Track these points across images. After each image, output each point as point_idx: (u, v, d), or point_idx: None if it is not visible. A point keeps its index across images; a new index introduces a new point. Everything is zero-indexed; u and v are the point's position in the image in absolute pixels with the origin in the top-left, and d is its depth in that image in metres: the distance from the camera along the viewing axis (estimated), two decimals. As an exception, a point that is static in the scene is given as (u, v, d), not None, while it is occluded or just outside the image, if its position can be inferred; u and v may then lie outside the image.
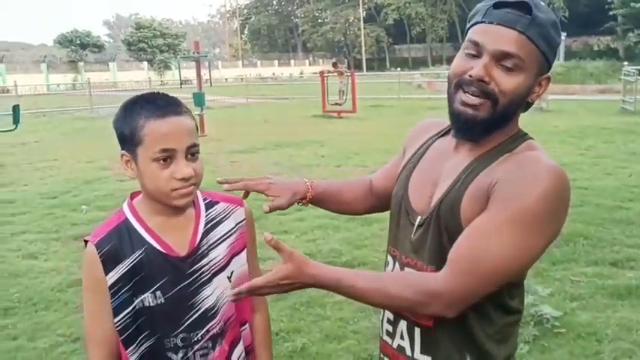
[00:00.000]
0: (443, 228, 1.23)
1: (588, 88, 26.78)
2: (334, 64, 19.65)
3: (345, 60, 61.99)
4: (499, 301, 1.24)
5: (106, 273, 1.32)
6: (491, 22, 1.19)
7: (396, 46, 65.50)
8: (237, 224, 1.46)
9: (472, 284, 1.14)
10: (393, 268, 1.36)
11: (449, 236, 1.21)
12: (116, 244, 1.33)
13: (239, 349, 1.47)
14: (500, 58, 1.17)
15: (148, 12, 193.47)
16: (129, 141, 1.31)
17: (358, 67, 57.49)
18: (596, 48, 48.04)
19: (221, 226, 1.43)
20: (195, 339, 1.37)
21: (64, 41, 55.15)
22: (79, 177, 9.13)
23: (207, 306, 1.38)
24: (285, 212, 6.58)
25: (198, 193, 1.43)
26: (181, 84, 19.68)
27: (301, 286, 1.19)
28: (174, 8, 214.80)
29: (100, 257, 1.31)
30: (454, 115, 1.25)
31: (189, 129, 1.31)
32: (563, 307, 3.76)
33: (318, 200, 1.57)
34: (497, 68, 1.18)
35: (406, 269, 1.30)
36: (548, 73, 1.24)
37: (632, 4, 39.03)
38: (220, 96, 27.37)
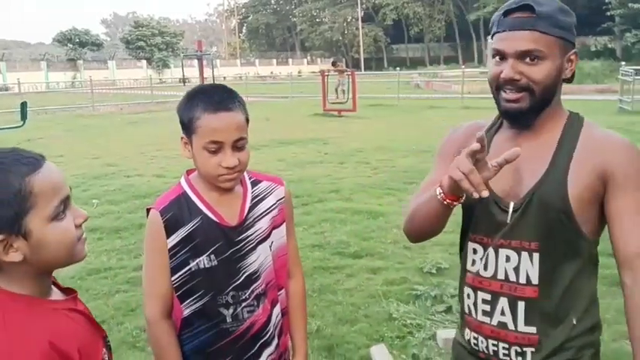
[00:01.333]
0: (549, 207, 1.38)
1: (586, 88, 26.98)
2: (333, 63, 19.84)
3: (343, 59, 62.09)
4: (594, 259, 1.45)
5: (168, 236, 1.52)
6: (504, 30, 1.39)
7: (394, 46, 65.73)
8: (277, 200, 1.66)
9: None
10: (484, 254, 1.47)
11: (555, 213, 1.38)
12: (177, 212, 1.54)
13: (277, 309, 1.67)
14: (521, 56, 1.37)
15: (146, 10, 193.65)
16: (187, 128, 1.52)
17: (356, 66, 57.64)
18: (593, 48, 48.18)
19: (264, 201, 1.63)
20: (243, 297, 1.57)
21: (63, 39, 55.20)
22: (86, 173, 9.28)
23: (252, 269, 1.59)
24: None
25: (245, 173, 1.63)
26: (184, 82, 19.81)
27: None
28: (171, 7, 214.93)
29: (164, 222, 1.52)
30: (504, 112, 1.45)
31: (237, 124, 1.50)
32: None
33: None
34: (523, 65, 1.37)
35: (500, 250, 1.44)
36: (574, 50, 1.43)
37: (629, 4, 39.24)
38: (220, 94, 27.47)
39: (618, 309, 3.74)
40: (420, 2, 57.50)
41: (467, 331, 1.54)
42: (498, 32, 1.41)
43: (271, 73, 56.96)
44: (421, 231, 1.52)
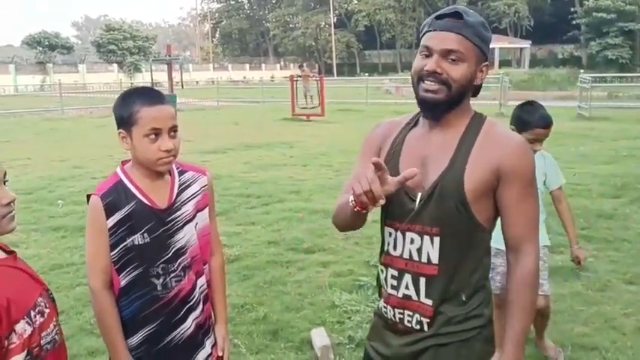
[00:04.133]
0: (447, 197, 1.58)
1: (550, 95, 27.66)
2: (300, 66, 20.12)
3: (316, 65, 62.53)
4: (486, 245, 1.68)
5: (107, 218, 1.81)
6: (435, 30, 1.61)
7: (367, 52, 66.33)
8: (201, 188, 1.96)
9: (537, 240, 1.67)
10: (395, 237, 1.69)
11: (453, 203, 1.58)
12: (115, 197, 1.82)
13: (202, 280, 1.97)
14: (446, 54, 1.58)
15: (118, 14, 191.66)
16: (126, 121, 1.80)
17: (329, 72, 58.09)
18: (560, 56, 49.38)
19: (190, 188, 1.93)
20: (172, 269, 1.87)
21: (32, 42, 54.51)
22: (53, 174, 9.41)
23: (180, 245, 1.88)
24: (252, 206, 7.04)
25: (173, 163, 1.92)
26: (153, 86, 19.88)
27: None
28: (144, 10, 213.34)
29: (104, 206, 1.80)
30: (421, 101, 1.63)
31: (171, 114, 1.82)
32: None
33: None
34: (446, 62, 1.58)
35: (407, 233, 1.65)
36: (487, 62, 1.65)
37: (594, 13, 40.42)
38: (191, 99, 27.60)
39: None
40: (392, 9, 58.23)
41: (381, 302, 1.77)
42: (429, 31, 1.61)
43: (244, 77, 57.06)
44: (344, 227, 1.72)
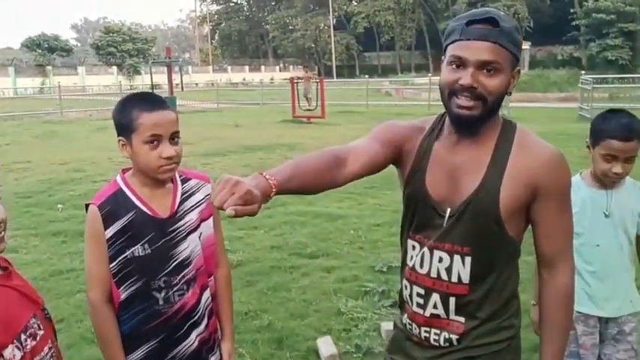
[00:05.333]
0: (481, 216, 1.49)
1: (551, 96, 27.68)
2: (305, 67, 20.12)
3: (316, 67, 62.45)
4: (517, 257, 1.61)
5: (105, 228, 1.73)
6: (468, 39, 1.45)
7: (366, 54, 66.23)
8: (205, 196, 1.88)
9: (572, 255, 1.60)
10: (421, 250, 1.60)
11: (486, 222, 1.50)
12: (113, 206, 1.74)
13: (207, 293, 1.88)
14: (482, 66, 1.44)
15: (117, 16, 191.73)
16: (126, 128, 1.72)
17: (328, 73, 58.01)
18: (559, 57, 49.25)
19: (193, 196, 1.85)
20: (174, 282, 1.79)
21: (32, 45, 54.42)
22: (53, 178, 9.33)
23: (183, 257, 1.80)
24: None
25: (176, 171, 1.83)
26: (153, 88, 19.84)
27: None
28: (143, 13, 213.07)
29: (102, 216, 1.72)
30: (456, 118, 1.50)
31: (172, 120, 1.74)
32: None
33: (282, 192, 1.43)
34: (481, 74, 1.44)
35: (435, 251, 1.56)
36: (518, 66, 1.53)
37: (593, 14, 40.34)
38: (191, 101, 27.54)
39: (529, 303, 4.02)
40: (391, 11, 58.12)
41: (405, 316, 1.68)
42: (460, 40, 1.46)
43: (243, 79, 56.95)
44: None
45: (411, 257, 1.63)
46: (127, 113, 1.71)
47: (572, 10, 46.03)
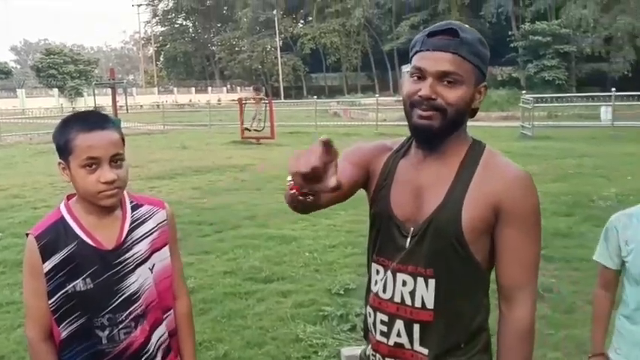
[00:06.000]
0: (443, 235, 1.42)
1: (492, 115, 28.42)
2: (256, 89, 20.08)
3: (263, 88, 62.38)
4: (486, 287, 1.52)
5: (43, 261, 1.58)
6: (428, 50, 1.42)
7: (313, 75, 66.69)
8: (158, 224, 1.73)
9: (537, 291, 1.49)
10: (385, 275, 1.52)
11: (449, 241, 1.42)
12: (53, 237, 1.59)
13: (160, 330, 1.73)
14: (441, 76, 1.40)
15: (58, 38, 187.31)
16: (63, 151, 1.59)
17: (276, 94, 58.07)
18: (499, 78, 50.76)
19: (144, 225, 1.71)
20: (120, 319, 1.64)
21: (-33, 67, 52.53)
22: (-9, 205, 8.87)
23: (131, 291, 1.65)
24: (204, 234, 6.79)
25: (127, 197, 1.71)
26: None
27: None
28: (85, 34, 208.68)
29: (39, 247, 1.58)
30: (414, 128, 1.46)
31: (113, 141, 1.59)
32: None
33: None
34: (441, 85, 1.40)
35: (398, 275, 1.48)
36: (485, 83, 1.47)
37: (530, 36, 41.89)
38: (136, 123, 26.97)
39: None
40: (337, 33, 58.81)
41: (369, 347, 1.60)
42: (421, 51, 1.43)
43: (190, 101, 56.32)
44: (293, 207, 1.38)
45: (375, 282, 1.55)
46: (65, 134, 1.58)
47: (510, 33, 47.70)
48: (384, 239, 1.54)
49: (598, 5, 43.08)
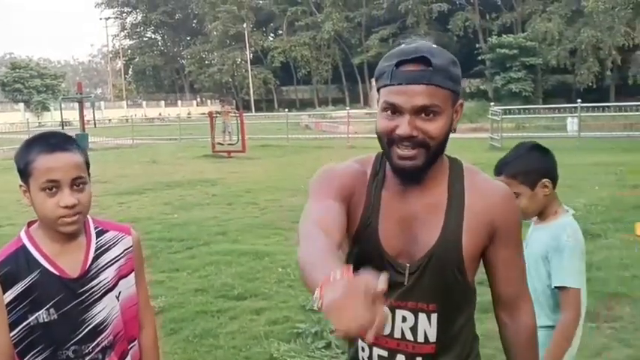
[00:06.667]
0: (446, 267, 1.38)
1: (461, 127, 28.73)
2: (221, 102, 19.96)
3: (234, 101, 62.25)
4: (475, 302, 1.52)
5: (4, 292, 1.49)
6: (400, 84, 1.30)
7: (284, 88, 66.79)
8: (124, 250, 1.66)
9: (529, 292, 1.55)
10: None
11: (452, 273, 1.39)
12: (13, 267, 1.51)
13: None
14: (419, 111, 1.30)
15: (24, 51, 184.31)
16: (24, 173, 1.51)
17: (247, 107, 57.91)
18: (468, 90, 51.54)
19: (110, 251, 1.63)
20: (87, 351, 1.55)
21: None
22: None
23: (97, 321, 1.57)
24: (175, 250, 6.66)
25: (91, 222, 1.64)
26: (62, 125, 19.00)
27: None
28: (52, 48, 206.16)
29: None
30: (397, 169, 1.37)
31: (74, 163, 1.51)
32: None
33: None
34: (419, 120, 1.31)
35: (397, 311, 1.41)
36: (460, 100, 1.39)
37: (497, 49, 42.65)
38: (104, 137, 26.58)
39: (484, 333, 3.98)
40: (307, 46, 59.06)
41: None
42: (392, 85, 1.32)
43: (159, 114, 55.90)
44: None
45: None
46: (26, 156, 1.50)
47: (477, 45, 48.57)
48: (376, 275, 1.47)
49: (563, 19, 44.19)
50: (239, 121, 18.18)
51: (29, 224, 1.60)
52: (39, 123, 43.85)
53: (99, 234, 1.63)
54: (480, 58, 46.50)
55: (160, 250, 6.63)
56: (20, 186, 1.53)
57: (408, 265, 1.40)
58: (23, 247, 1.54)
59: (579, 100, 20.60)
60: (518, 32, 46.93)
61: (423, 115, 1.31)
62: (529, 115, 24.83)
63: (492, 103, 24.52)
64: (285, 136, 23.66)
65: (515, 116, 24.14)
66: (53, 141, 1.51)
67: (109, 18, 75.25)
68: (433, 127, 1.32)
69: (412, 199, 1.42)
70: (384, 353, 1.45)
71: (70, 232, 1.53)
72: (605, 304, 4.51)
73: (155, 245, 6.83)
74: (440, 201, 1.42)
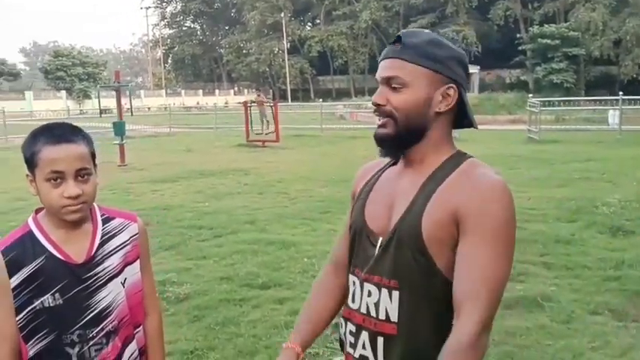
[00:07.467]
0: (405, 245, 1.37)
1: (500, 119, 28.33)
2: (257, 91, 20.08)
3: (270, 90, 62.54)
4: (450, 312, 1.35)
5: (10, 277, 1.53)
6: (380, 60, 1.46)
7: (320, 77, 66.69)
8: (130, 237, 1.69)
9: (491, 312, 1.30)
10: (355, 287, 1.49)
11: (411, 252, 1.36)
12: (19, 251, 1.55)
13: (132, 347, 1.68)
14: (387, 82, 1.41)
15: (68, 40, 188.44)
16: (30, 163, 1.55)
17: (283, 97, 58.15)
18: (508, 80, 50.70)
19: (116, 238, 1.66)
20: (91, 335, 1.59)
21: (-24, 69, 52.93)
22: (-8, 208, 8.89)
23: (102, 306, 1.60)
24: (203, 238, 6.75)
25: (97, 209, 1.67)
26: (101, 113, 19.37)
27: None
28: (95, 36, 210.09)
29: (5, 262, 1.53)
30: (374, 136, 1.47)
31: (79, 154, 1.54)
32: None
33: (307, 343, 1.63)
34: (389, 91, 1.41)
35: (365, 285, 1.44)
36: (451, 84, 1.40)
37: (539, 39, 41.75)
38: (142, 125, 27.04)
39: (505, 330, 3.95)
40: (344, 35, 58.87)
41: (343, 358, 1.56)
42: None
43: (197, 103, 56.57)
44: None
45: (351, 293, 1.51)
46: (32, 146, 1.54)
47: (518, 35, 47.58)
48: (358, 250, 1.51)
49: (607, 8, 42.91)
50: (273, 111, 18.24)
51: (37, 211, 1.64)
52: (80, 110, 44.91)
53: (105, 221, 1.67)
54: (520, 48, 45.57)
55: (189, 237, 6.73)
56: (27, 175, 1.57)
57: (380, 239, 1.45)
58: (30, 233, 1.58)
59: (621, 93, 20.01)
60: (561, 22, 45.79)
61: (392, 87, 1.42)
62: (569, 107, 24.27)
63: (530, 95, 23.98)
64: (320, 126, 23.66)
65: (554, 108, 23.64)
66: (58, 132, 1.55)
67: (149, 7, 76.31)
68: (397, 98, 1.41)
69: (402, 179, 1.47)
70: (353, 329, 1.48)
71: (75, 220, 1.57)
72: (635, 303, 4.39)
73: (185, 233, 6.94)
74: (419, 182, 1.43)
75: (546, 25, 42.89)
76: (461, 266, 1.32)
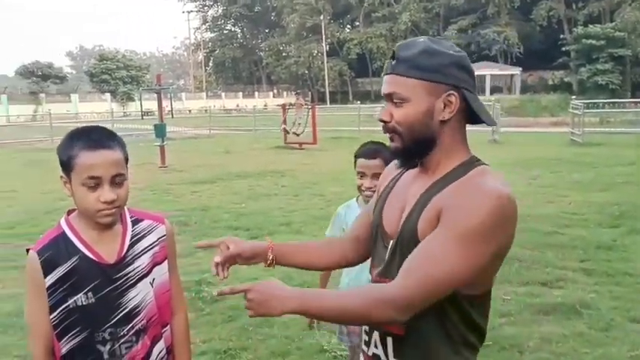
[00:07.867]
0: (405, 248, 1.39)
1: (542, 121, 27.79)
2: (297, 94, 20.16)
3: (309, 93, 62.76)
4: (464, 318, 1.39)
5: (45, 276, 1.59)
6: (382, 76, 1.50)
7: (359, 80, 66.60)
8: (158, 239, 1.73)
9: (422, 292, 1.29)
10: None
11: (409, 252, 1.36)
12: (54, 252, 1.60)
13: (160, 345, 1.73)
14: (389, 99, 1.43)
15: (113, 44, 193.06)
16: (66, 166, 1.59)
17: (322, 99, 58.28)
18: (550, 82, 49.67)
19: (145, 239, 1.71)
20: (122, 333, 1.64)
21: (25, 72, 54.58)
22: (38, 208, 9.18)
23: (132, 305, 1.65)
24: (240, 239, 6.82)
25: (127, 211, 1.72)
26: (142, 115, 19.78)
27: (269, 300, 1.33)
28: (138, 40, 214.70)
29: (41, 263, 1.58)
30: (389, 150, 1.52)
31: (115, 160, 1.59)
32: (492, 323, 4.05)
33: (283, 256, 1.62)
34: (393, 106, 1.43)
35: None
36: (451, 91, 1.38)
37: (583, 40, 40.84)
38: (183, 127, 27.51)
39: (542, 337, 3.88)
40: (384, 37, 58.68)
41: (361, 355, 1.59)
42: None
43: (237, 105, 57.13)
44: None
45: None
46: (67, 150, 1.58)
47: (561, 36, 46.63)
48: (375, 251, 1.56)
49: (655, 7, 41.64)
50: (310, 113, 18.30)
51: (69, 212, 1.70)
52: (124, 112, 45.90)
53: (134, 223, 1.71)
54: (564, 49, 44.67)
55: (225, 238, 6.80)
56: (61, 177, 1.62)
57: (391, 241, 1.47)
58: (63, 234, 1.63)
59: (670, 94, 19.38)
60: (606, 22, 44.65)
61: (393, 102, 1.43)
62: (614, 110, 23.64)
63: (573, 97, 23.43)
64: (357, 128, 23.63)
65: (598, 110, 23.06)
66: (95, 137, 1.59)
67: (191, 11, 77.52)
68: (399, 113, 1.42)
69: (416, 182, 1.49)
70: (367, 328, 1.54)
71: (107, 223, 1.62)
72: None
73: (222, 234, 7.01)
74: (424, 188, 1.45)
75: (591, 26, 41.91)
76: (416, 249, 1.34)
